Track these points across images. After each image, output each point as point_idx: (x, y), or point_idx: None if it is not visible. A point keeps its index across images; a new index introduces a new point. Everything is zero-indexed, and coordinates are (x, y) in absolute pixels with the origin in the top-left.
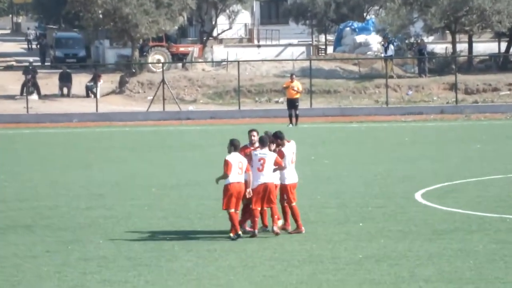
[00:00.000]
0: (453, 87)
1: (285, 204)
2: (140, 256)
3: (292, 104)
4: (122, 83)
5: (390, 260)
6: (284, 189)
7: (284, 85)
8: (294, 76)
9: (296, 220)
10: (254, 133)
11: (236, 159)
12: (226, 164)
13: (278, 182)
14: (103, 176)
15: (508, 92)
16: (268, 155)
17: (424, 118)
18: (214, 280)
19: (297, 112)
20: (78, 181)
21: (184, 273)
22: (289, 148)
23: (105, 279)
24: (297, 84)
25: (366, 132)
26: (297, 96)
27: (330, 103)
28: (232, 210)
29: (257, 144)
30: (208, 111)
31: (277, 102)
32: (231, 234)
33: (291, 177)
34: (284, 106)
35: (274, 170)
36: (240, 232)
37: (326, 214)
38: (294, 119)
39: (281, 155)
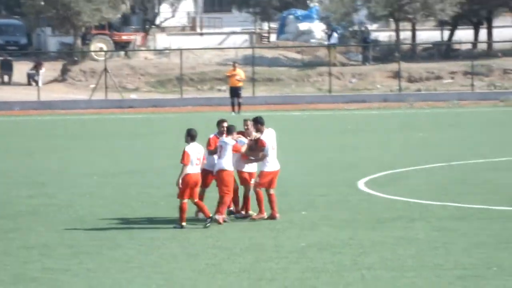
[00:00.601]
0: (397, 75)
1: (258, 190)
2: (82, 244)
3: (234, 92)
4: (64, 71)
5: (333, 248)
6: (265, 175)
7: (227, 74)
8: (236, 64)
9: (272, 207)
10: (225, 124)
11: (195, 150)
12: (185, 155)
13: (249, 170)
14: (44, 164)
15: (451, 81)
16: (227, 142)
17: (367, 106)
18: (156, 268)
19: (240, 100)
20: (19, 169)
21: (126, 261)
22: (269, 135)
23: (46, 267)
24: (239, 73)
25: (308, 120)
26: (240, 84)
27: (273, 91)
28: (185, 201)
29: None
30: (150, 99)
31: (219, 90)
32: (179, 224)
33: (272, 164)
34: (227, 94)
35: (253, 161)
36: (184, 224)
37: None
38: (236, 107)
39: (262, 143)
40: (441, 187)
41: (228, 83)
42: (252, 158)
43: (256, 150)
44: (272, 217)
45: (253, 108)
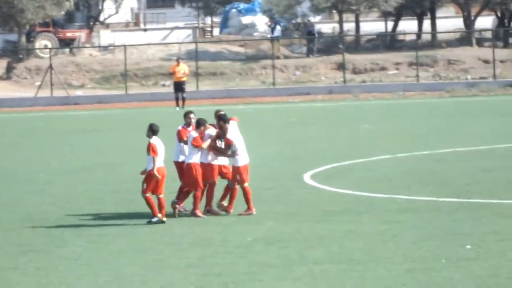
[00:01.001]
0: (341, 67)
1: (235, 186)
2: (30, 242)
3: (179, 87)
4: (9, 69)
5: (280, 243)
6: (236, 170)
7: (171, 70)
8: (180, 59)
9: (247, 201)
10: (192, 115)
11: (159, 143)
12: (152, 146)
13: (217, 163)
14: None
15: (396, 72)
16: (191, 136)
17: (312, 98)
18: (105, 264)
19: (184, 95)
20: None
21: (75, 259)
22: (233, 130)
23: None
24: (183, 67)
25: (253, 114)
26: (184, 79)
27: (217, 85)
28: (148, 194)
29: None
30: (95, 95)
31: (163, 85)
32: (155, 217)
33: (242, 158)
34: (171, 89)
35: (229, 155)
36: (159, 216)
37: (214, 197)
38: (181, 102)
39: (229, 142)
40: (388, 180)
41: (172, 78)
42: (220, 153)
43: (224, 148)
44: (249, 212)
45: (197, 103)
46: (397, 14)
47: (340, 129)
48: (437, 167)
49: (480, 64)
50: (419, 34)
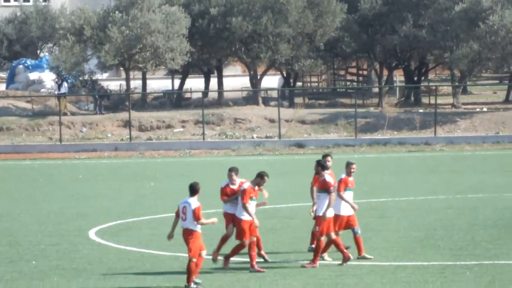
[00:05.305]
0: (127, 124)
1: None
2: None
3: None
4: None
5: None
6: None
7: None
8: None
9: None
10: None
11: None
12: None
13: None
14: None
15: (182, 129)
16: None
17: (98, 155)
18: None
19: None
20: None
21: None
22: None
23: None
24: None
25: (39, 170)
26: None
27: (3, 140)
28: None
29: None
30: None
31: None
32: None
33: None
34: None
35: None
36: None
37: None
38: None
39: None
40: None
41: None
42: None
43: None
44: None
45: None
46: (184, 72)
47: (125, 186)
48: (222, 225)
49: (266, 123)
50: (205, 92)
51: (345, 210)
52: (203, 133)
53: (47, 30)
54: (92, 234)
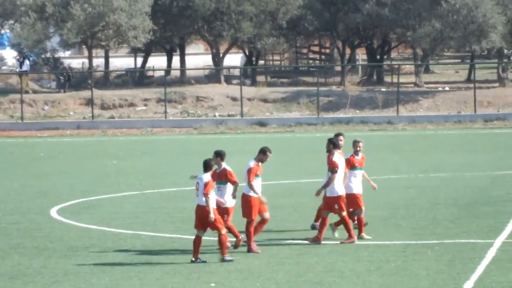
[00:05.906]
0: (90, 102)
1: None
2: None
3: None
4: None
5: (25, 277)
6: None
7: None
8: None
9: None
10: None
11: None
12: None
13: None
14: None
15: (144, 108)
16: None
17: (60, 133)
18: None
19: None
20: None
21: None
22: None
23: None
24: None
25: (0, 148)
26: None
27: None
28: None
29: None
30: None
31: None
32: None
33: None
34: None
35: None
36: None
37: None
38: None
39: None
40: (134, 216)
41: None
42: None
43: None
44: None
45: None
46: (147, 50)
47: (88, 165)
48: (183, 204)
49: (228, 101)
50: (168, 70)
51: (357, 189)
52: (165, 112)
53: (8, 7)
54: (53, 212)
